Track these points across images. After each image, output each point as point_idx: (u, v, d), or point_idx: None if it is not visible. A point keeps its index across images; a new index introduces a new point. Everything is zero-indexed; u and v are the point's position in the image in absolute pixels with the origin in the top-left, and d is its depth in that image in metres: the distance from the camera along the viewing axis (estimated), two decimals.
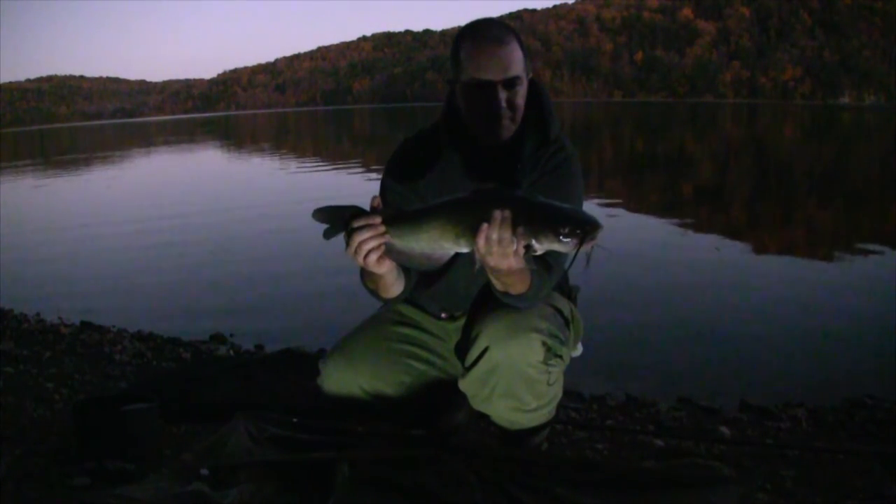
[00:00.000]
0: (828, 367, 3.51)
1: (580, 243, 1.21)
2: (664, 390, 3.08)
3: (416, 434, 1.72)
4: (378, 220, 1.30)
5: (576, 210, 1.28)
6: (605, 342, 3.64)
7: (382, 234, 1.31)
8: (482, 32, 1.55)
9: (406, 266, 1.45)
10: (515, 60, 1.54)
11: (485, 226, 1.23)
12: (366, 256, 1.32)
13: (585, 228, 1.22)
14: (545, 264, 1.48)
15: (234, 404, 1.98)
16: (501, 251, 1.24)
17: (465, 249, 1.29)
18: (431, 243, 1.30)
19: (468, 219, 1.25)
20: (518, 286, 1.43)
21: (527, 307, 1.52)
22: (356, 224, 1.30)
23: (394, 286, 1.55)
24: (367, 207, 1.34)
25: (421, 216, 1.31)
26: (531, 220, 1.23)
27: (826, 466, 2.03)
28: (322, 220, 1.34)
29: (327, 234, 1.34)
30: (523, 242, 1.23)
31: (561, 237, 1.22)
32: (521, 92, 1.58)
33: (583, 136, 27.01)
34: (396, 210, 1.35)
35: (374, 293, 1.60)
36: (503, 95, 1.53)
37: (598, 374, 3.15)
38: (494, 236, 1.23)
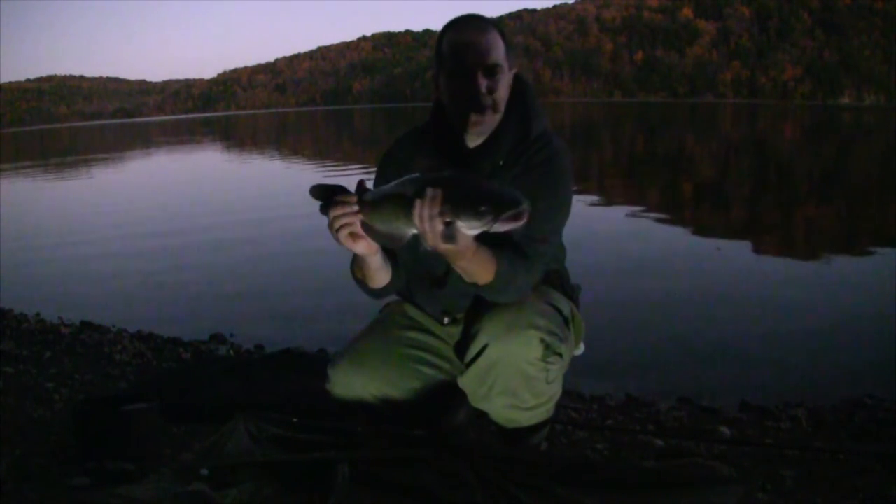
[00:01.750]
0: (828, 367, 3.51)
1: (495, 219, 1.23)
2: (664, 390, 3.08)
3: (416, 434, 1.72)
4: (353, 199, 1.37)
5: (502, 188, 1.30)
6: (605, 342, 3.63)
7: (355, 213, 1.37)
8: (462, 23, 1.59)
9: (381, 245, 1.49)
10: (495, 49, 1.55)
11: (417, 203, 1.26)
12: (338, 231, 1.39)
13: (503, 205, 1.23)
14: (519, 254, 1.49)
15: (234, 404, 1.99)
16: (433, 229, 1.26)
17: (415, 230, 1.32)
18: (389, 223, 1.35)
19: (410, 200, 1.29)
20: (479, 274, 1.44)
21: (507, 300, 1.52)
22: (334, 201, 1.38)
23: (377, 274, 1.59)
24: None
25: (382, 197, 1.36)
26: (454, 197, 1.25)
27: (826, 466, 2.03)
28: (316, 197, 1.42)
29: (322, 210, 1.41)
30: (446, 219, 1.26)
31: (479, 213, 1.24)
32: (503, 83, 1.58)
33: (583, 135, 27.02)
34: (371, 191, 1.40)
35: (362, 283, 1.64)
36: (483, 83, 1.54)
37: (598, 374, 3.14)
38: (425, 213, 1.25)
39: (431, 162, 1.38)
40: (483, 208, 1.23)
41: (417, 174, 1.34)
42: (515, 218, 1.24)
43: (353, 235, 1.40)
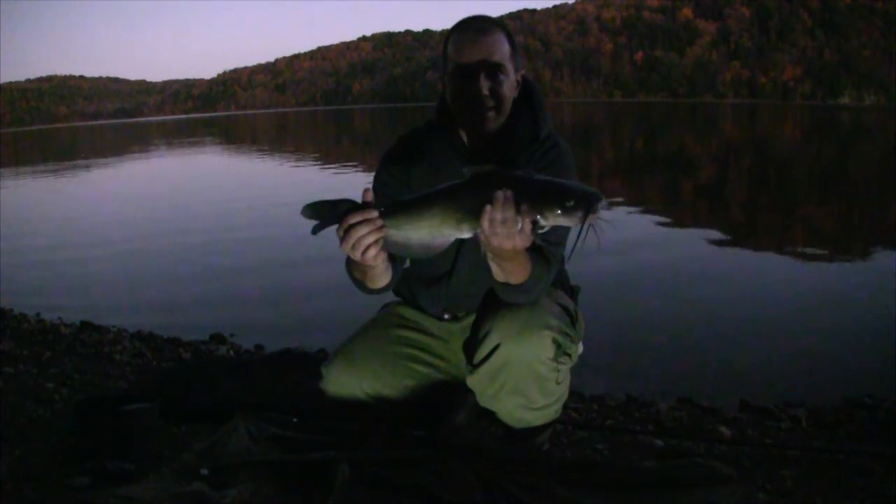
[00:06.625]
0: (828, 367, 3.50)
1: (585, 214, 1.22)
2: (664, 390, 3.08)
3: (416, 434, 1.72)
4: (375, 213, 1.28)
5: (576, 183, 1.29)
6: (605, 342, 3.63)
7: (381, 228, 1.29)
8: (466, 24, 1.60)
9: (403, 256, 1.46)
10: (499, 49, 1.56)
11: (488, 207, 1.23)
12: (364, 251, 1.29)
13: (590, 199, 1.22)
14: (542, 256, 1.49)
15: (234, 404, 1.98)
16: (507, 231, 1.23)
17: (466, 235, 1.29)
18: (432, 231, 1.28)
19: (469, 202, 1.25)
20: (519, 274, 1.41)
21: (526, 301, 1.51)
22: (353, 220, 1.27)
23: (382, 277, 1.56)
24: (359, 201, 1.32)
25: (420, 204, 1.29)
26: (534, 196, 1.23)
27: (826, 466, 2.03)
28: (312, 217, 1.30)
29: (316, 230, 1.31)
30: (529, 219, 1.23)
31: (566, 210, 1.22)
32: (507, 83, 1.58)
33: (583, 135, 27.00)
34: (392, 201, 1.33)
35: (360, 284, 1.59)
36: (486, 83, 1.55)
37: (598, 374, 3.14)
38: (499, 216, 1.23)
39: (473, 166, 1.30)
40: (570, 203, 1.21)
41: (458, 180, 1.29)
42: (597, 210, 1.24)
43: (379, 252, 1.33)
